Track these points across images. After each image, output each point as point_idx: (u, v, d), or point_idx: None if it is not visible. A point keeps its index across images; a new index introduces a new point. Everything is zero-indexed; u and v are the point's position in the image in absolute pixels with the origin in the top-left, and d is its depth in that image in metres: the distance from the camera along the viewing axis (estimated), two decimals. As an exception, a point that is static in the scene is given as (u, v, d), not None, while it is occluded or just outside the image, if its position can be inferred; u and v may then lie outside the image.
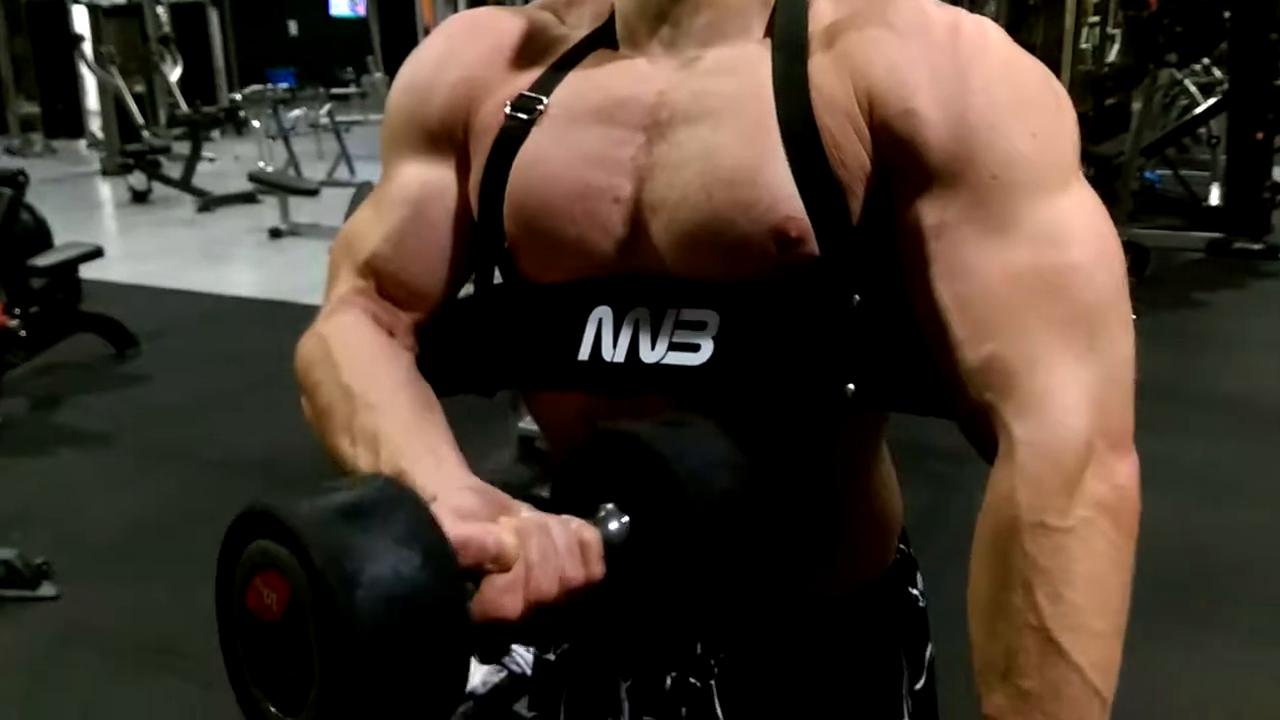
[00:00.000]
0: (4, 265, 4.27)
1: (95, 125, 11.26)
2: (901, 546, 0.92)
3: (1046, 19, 6.51)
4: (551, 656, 0.93)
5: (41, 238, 4.78)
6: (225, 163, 9.82)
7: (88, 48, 10.39)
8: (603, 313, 0.76)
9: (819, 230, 0.71)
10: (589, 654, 0.90)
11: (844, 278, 0.73)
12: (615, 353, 0.76)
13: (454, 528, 0.58)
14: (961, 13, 0.74)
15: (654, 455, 0.64)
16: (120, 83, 9.96)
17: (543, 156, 0.77)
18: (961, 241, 0.69)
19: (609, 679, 0.88)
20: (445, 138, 0.83)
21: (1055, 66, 6.57)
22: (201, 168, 8.96)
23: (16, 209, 4.16)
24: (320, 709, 0.53)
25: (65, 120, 11.84)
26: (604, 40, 0.81)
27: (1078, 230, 0.69)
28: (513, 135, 0.78)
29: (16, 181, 4.12)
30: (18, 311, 4.09)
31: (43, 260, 4.42)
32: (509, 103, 0.79)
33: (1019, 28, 6.54)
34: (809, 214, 0.71)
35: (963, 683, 0.70)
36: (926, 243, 0.70)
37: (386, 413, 0.74)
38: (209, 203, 8.22)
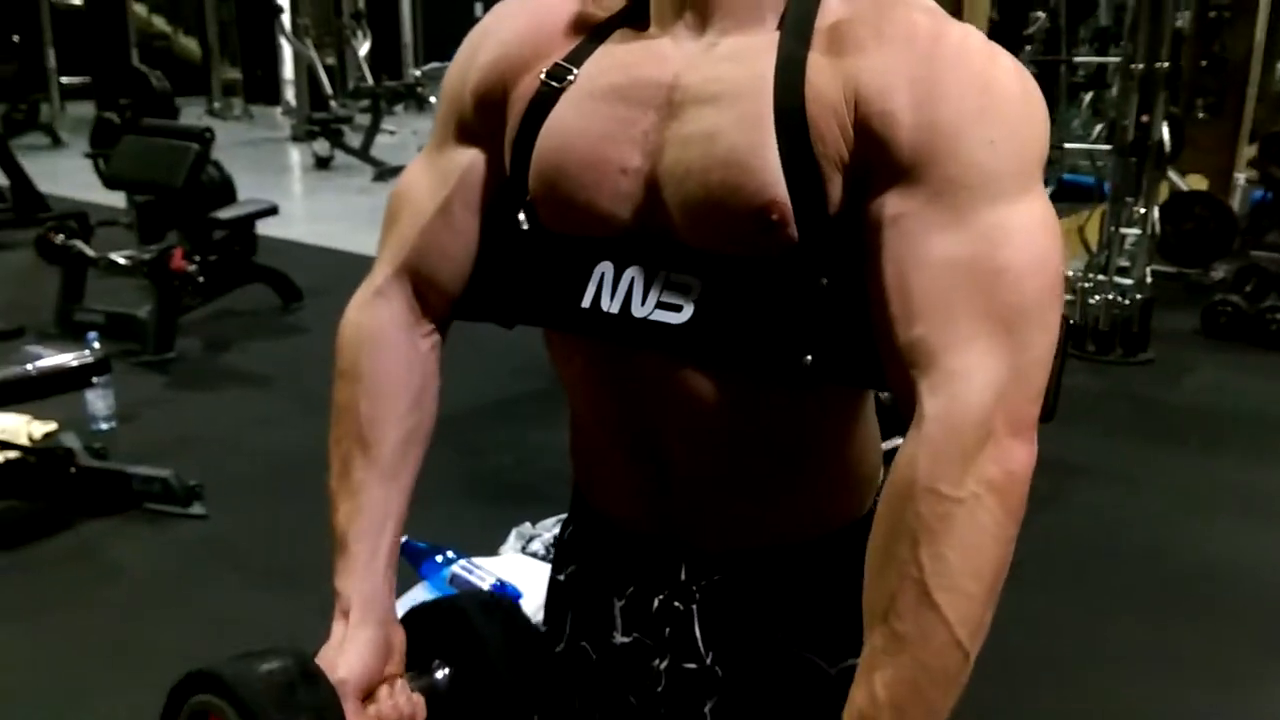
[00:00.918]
0: (189, 216, 4.64)
1: (290, 93, 11.93)
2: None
3: (1235, 32, 6.21)
4: (561, 578, 1.04)
5: (226, 193, 5.17)
6: (404, 136, 10.25)
7: (286, 20, 11.02)
8: (605, 267, 0.85)
9: (799, 215, 0.78)
10: (590, 577, 1.00)
11: (816, 261, 0.79)
12: (611, 304, 0.85)
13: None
14: (949, 23, 0.79)
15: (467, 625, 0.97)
16: (313, 54, 10.54)
17: (564, 124, 0.86)
18: (913, 232, 0.75)
19: (605, 599, 0.98)
20: (481, 114, 0.93)
21: (1243, 83, 6.27)
22: (381, 139, 9.40)
23: (202, 164, 4.50)
24: None
25: (263, 87, 12.56)
26: (636, 17, 0.89)
27: (1017, 236, 0.75)
28: (544, 101, 0.88)
29: (203, 139, 4.46)
30: (198, 259, 4.43)
31: (224, 214, 4.77)
32: (544, 71, 0.88)
33: (1210, 40, 6.28)
34: (791, 200, 0.78)
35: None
36: (884, 229, 0.76)
37: (373, 460, 0.94)
38: (384, 173, 8.62)
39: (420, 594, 1.76)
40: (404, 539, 1.97)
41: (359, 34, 10.65)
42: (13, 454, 3.08)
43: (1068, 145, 5.75)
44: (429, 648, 0.97)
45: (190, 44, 13.75)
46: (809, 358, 0.81)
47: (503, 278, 0.94)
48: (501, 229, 0.93)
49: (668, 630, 0.95)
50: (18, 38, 8.49)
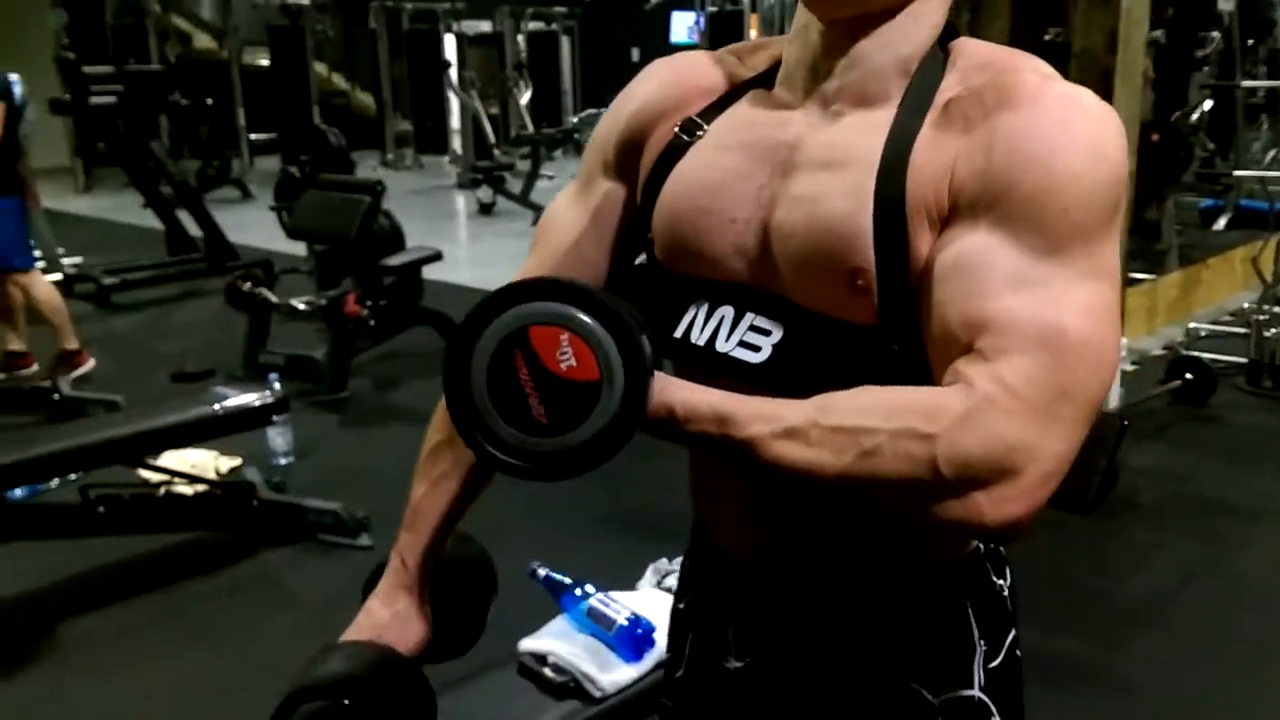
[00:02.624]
0: (362, 263, 4.93)
1: (456, 143, 12.47)
2: (985, 548, 0.99)
3: None
4: (681, 606, 1.11)
5: (396, 240, 5.46)
6: (562, 180, 10.57)
7: (454, 74, 11.53)
8: (702, 305, 0.92)
9: (882, 282, 0.82)
10: (707, 605, 1.06)
11: (890, 326, 0.83)
12: (700, 337, 0.92)
13: None
14: (1054, 82, 0.82)
15: None
16: (479, 105, 11.01)
17: (689, 173, 0.94)
18: (985, 267, 0.78)
19: (720, 626, 1.03)
20: (623, 155, 1.01)
21: None
22: (540, 184, 9.74)
23: (374, 215, 4.78)
24: (613, 421, 0.73)
25: (433, 137, 13.14)
26: (767, 81, 0.96)
27: (1080, 312, 0.76)
28: (675, 151, 0.96)
29: (374, 191, 4.74)
30: (369, 303, 4.70)
31: (393, 260, 5.05)
32: (679, 124, 0.97)
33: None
34: (877, 270, 0.82)
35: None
36: (952, 258, 0.79)
37: (461, 459, 1.05)
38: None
39: (560, 625, 1.85)
40: (545, 572, 2.08)
41: (521, 84, 11.06)
42: (202, 487, 3.35)
43: (1238, 173, 5.49)
44: None
45: (366, 99, 14.52)
46: None
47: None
48: (624, 262, 1.02)
49: (777, 656, 1.00)
50: (211, 100, 9.17)
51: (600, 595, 1.85)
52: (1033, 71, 0.84)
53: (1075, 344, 0.76)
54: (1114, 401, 4.19)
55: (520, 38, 12.35)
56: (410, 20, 13.19)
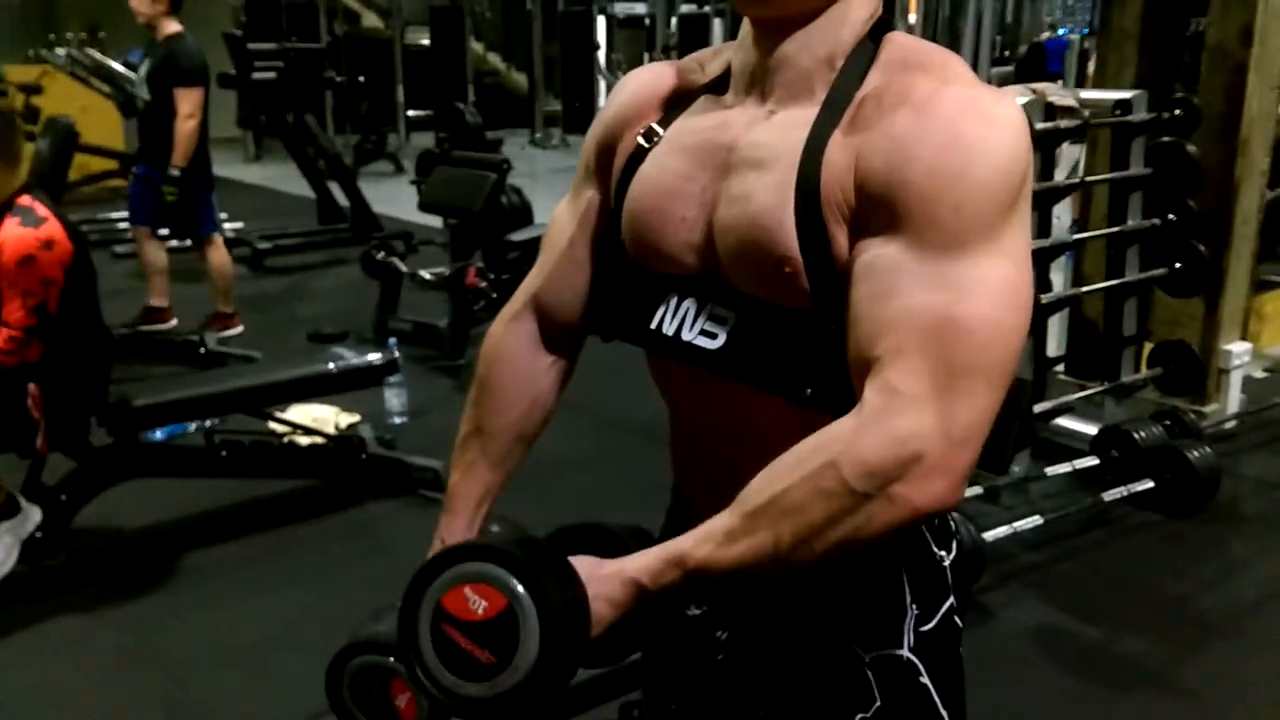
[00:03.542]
0: (488, 237, 5.14)
1: (602, 123, 12.63)
2: (936, 521, 1.06)
3: None
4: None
5: (523, 216, 5.67)
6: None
7: (602, 56, 11.72)
8: (671, 298, 1.02)
9: (809, 270, 0.90)
10: None
11: (825, 309, 0.91)
12: (669, 328, 1.01)
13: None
14: (949, 86, 0.87)
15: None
16: (625, 86, 11.13)
17: (646, 177, 1.03)
18: (887, 271, 0.85)
19: None
20: (601, 163, 1.11)
21: None
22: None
23: (499, 190, 4.97)
24: (534, 671, 0.84)
25: (581, 118, 13.35)
26: (720, 87, 1.04)
27: (979, 294, 0.83)
28: (638, 156, 1.05)
29: (501, 169, 4.92)
30: (491, 276, 4.90)
31: (517, 235, 5.24)
32: (641, 132, 1.06)
33: None
34: (803, 256, 0.90)
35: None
36: (862, 266, 0.87)
37: (487, 448, 1.16)
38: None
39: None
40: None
41: (668, 66, 11.14)
42: (319, 439, 3.60)
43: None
44: None
45: (520, 79, 14.87)
46: (809, 390, 0.94)
47: (605, 300, 1.12)
48: (608, 260, 1.11)
49: (731, 607, 1.09)
50: (363, 78, 9.61)
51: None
52: (936, 75, 0.89)
53: (966, 329, 0.83)
54: (1233, 407, 4.06)
55: (673, 20, 12.44)
56: (565, 2, 13.45)
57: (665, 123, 1.05)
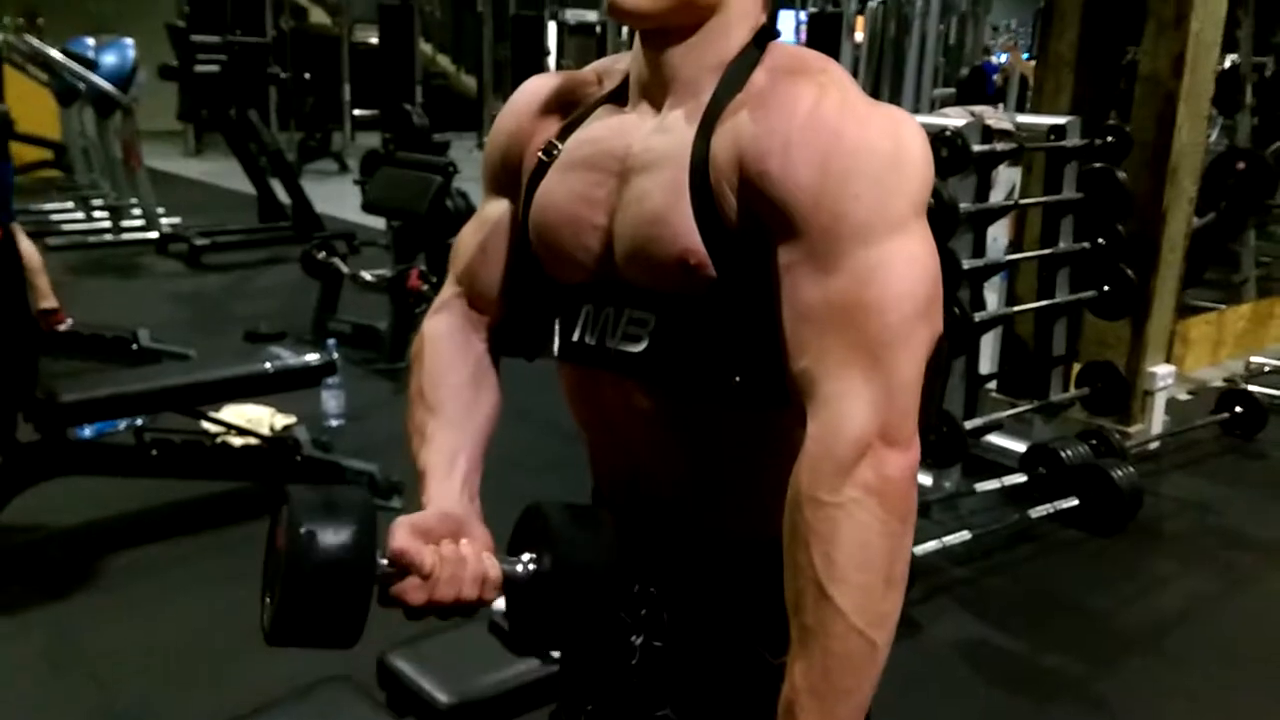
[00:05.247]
0: (432, 239, 5.12)
1: (552, 129, 12.66)
2: None
3: None
4: None
5: (468, 219, 5.64)
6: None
7: (552, 61, 11.73)
8: (588, 308, 1.03)
9: (714, 258, 0.93)
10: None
11: (738, 297, 0.93)
12: (591, 337, 1.02)
13: (398, 540, 0.93)
14: (830, 90, 0.90)
15: (552, 529, 0.98)
16: (573, 93, 11.16)
17: (550, 191, 1.04)
18: (799, 276, 0.88)
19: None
20: (505, 175, 1.12)
21: None
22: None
23: (444, 193, 4.96)
24: (280, 606, 0.90)
25: (529, 122, 13.35)
26: (617, 98, 1.06)
27: (881, 274, 0.86)
28: (539, 171, 1.06)
29: (446, 171, 4.92)
30: (434, 279, 4.88)
31: (460, 239, 5.22)
32: (541, 147, 1.06)
33: None
34: (706, 246, 0.92)
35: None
36: (780, 276, 0.90)
37: (438, 415, 1.08)
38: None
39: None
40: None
41: (616, 74, 11.20)
42: (253, 440, 3.56)
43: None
44: (526, 542, 1.02)
45: (469, 81, 14.81)
46: (737, 379, 0.96)
47: (525, 320, 1.13)
48: (520, 276, 1.11)
49: (643, 611, 1.10)
50: (309, 75, 9.53)
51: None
52: (815, 80, 0.92)
53: (876, 309, 0.85)
54: (1157, 428, 4.17)
55: (624, 28, 12.48)
56: (517, 6, 13.44)
57: (563, 135, 1.06)
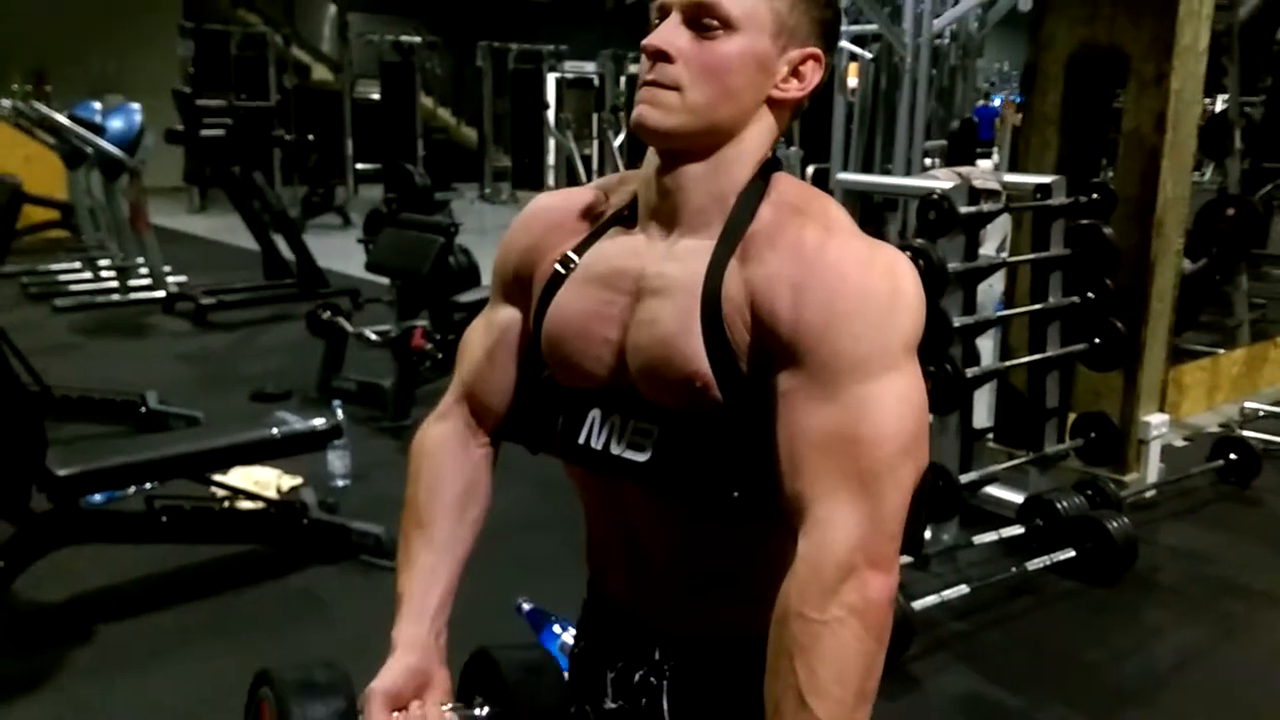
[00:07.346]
0: (434, 298, 5.20)
1: (551, 180, 12.83)
2: None
3: None
4: (576, 650, 1.28)
5: (471, 277, 5.72)
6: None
7: (551, 114, 11.89)
8: (595, 413, 1.10)
9: (720, 383, 1.00)
10: (594, 651, 1.23)
11: (740, 418, 1.00)
12: (598, 442, 1.09)
13: (374, 716, 1.05)
14: (835, 235, 0.99)
15: (503, 676, 1.15)
16: (573, 145, 11.34)
17: (565, 302, 1.11)
18: (796, 404, 0.95)
19: (602, 670, 1.20)
20: (516, 286, 1.19)
21: None
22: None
23: (446, 254, 5.05)
24: None
25: (529, 174, 13.54)
26: (627, 217, 1.13)
27: (875, 410, 0.93)
28: (555, 282, 1.13)
29: (448, 232, 5.01)
30: (437, 337, 4.96)
31: (464, 297, 5.30)
32: (557, 260, 1.14)
33: None
34: (713, 370, 1.00)
35: None
36: (779, 401, 0.97)
37: (426, 531, 1.17)
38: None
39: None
40: (530, 606, 2.24)
41: (615, 127, 11.37)
42: (260, 504, 3.62)
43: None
44: (478, 688, 1.19)
45: (470, 134, 15.01)
46: (736, 494, 1.03)
47: (530, 415, 1.19)
48: (530, 378, 1.19)
49: (644, 701, 1.16)
50: (314, 136, 9.70)
51: (572, 631, 2.02)
52: (819, 221, 1.00)
53: (870, 443, 0.93)
54: (1152, 476, 4.22)
55: (622, 79, 12.67)
56: (516, 60, 13.64)
57: (580, 250, 1.13)
